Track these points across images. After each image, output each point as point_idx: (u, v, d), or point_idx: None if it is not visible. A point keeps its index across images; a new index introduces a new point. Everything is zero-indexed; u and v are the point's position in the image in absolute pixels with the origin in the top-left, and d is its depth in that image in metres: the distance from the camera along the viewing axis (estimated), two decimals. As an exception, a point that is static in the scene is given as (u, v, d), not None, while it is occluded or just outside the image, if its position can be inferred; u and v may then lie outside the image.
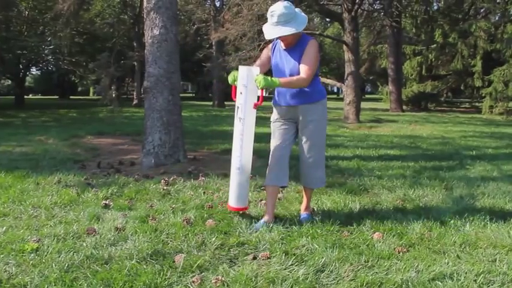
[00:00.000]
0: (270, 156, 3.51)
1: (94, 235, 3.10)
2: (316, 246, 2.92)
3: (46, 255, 2.73)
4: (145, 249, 2.83)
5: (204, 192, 4.34)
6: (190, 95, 48.08)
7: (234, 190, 3.45)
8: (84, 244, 2.94)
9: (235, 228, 3.25)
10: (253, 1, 13.32)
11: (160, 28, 5.84)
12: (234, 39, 13.81)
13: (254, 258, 2.76)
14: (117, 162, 5.99)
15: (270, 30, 3.34)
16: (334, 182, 4.75)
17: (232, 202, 3.48)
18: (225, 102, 24.37)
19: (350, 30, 13.82)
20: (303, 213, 3.60)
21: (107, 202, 3.89)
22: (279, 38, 3.42)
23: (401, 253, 2.84)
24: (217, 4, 24.84)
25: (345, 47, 14.16)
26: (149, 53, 5.91)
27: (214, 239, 3.02)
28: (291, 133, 3.54)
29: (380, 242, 3.04)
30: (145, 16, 5.99)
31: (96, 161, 6.10)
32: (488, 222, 3.47)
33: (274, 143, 3.54)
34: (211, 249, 2.86)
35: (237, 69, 3.40)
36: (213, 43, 22.76)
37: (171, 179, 4.81)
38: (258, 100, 3.33)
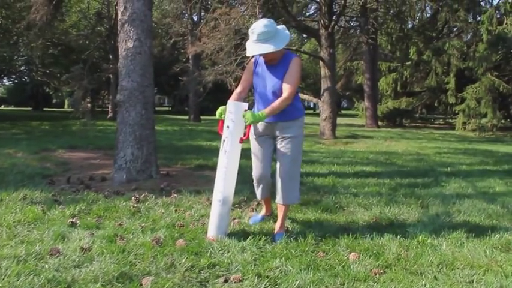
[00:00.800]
0: (254, 174, 3.65)
1: (58, 256, 2.93)
2: (290, 268, 2.82)
3: (4, 279, 2.56)
4: (112, 271, 2.68)
5: (175, 210, 4.20)
6: (167, 108, 47.79)
7: (214, 221, 3.37)
8: (47, 266, 2.77)
9: (207, 248, 3.13)
10: (230, 16, 13.37)
11: (135, 41, 5.72)
12: (211, 53, 13.78)
13: (225, 280, 2.64)
14: (87, 178, 5.79)
15: (251, 47, 3.35)
16: (309, 200, 4.67)
17: (212, 233, 3.37)
18: (201, 117, 24.24)
19: (326, 46, 13.91)
20: (277, 232, 3.51)
21: (74, 220, 3.72)
22: (260, 54, 3.42)
23: (377, 275, 2.76)
24: (195, 18, 24.84)
25: (321, 62, 14.24)
26: (123, 66, 5.77)
27: (184, 260, 2.89)
28: (270, 150, 3.60)
29: (356, 263, 2.96)
30: (119, 28, 5.86)
31: (66, 176, 5.89)
32: (465, 241, 3.44)
33: (256, 161, 3.62)
34: (181, 271, 2.73)
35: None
36: (190, 57, 22.67)
37: (142, 195, 4.66)
38: (244, 135, 3.33)
